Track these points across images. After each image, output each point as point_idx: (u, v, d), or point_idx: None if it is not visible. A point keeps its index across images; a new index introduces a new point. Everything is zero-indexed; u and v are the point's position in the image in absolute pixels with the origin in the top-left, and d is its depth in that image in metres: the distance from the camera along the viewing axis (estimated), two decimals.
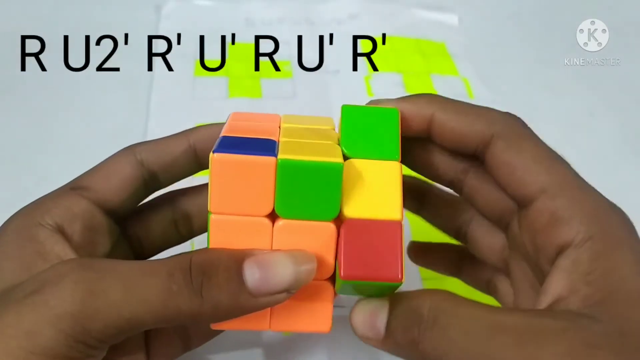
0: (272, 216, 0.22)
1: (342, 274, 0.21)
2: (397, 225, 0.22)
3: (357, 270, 0.21)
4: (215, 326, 0.23)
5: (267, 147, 0.21)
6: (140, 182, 0.26)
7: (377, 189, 0.22)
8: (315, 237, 0.22)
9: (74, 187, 0.25)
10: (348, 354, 0.32)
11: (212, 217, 0.22)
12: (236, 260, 0.21)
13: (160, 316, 0.21)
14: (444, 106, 0.24)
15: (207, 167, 0.26)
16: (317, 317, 0.23)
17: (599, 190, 0.24)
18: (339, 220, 0.22)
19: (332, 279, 0.23)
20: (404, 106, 0.24)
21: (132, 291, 0.20)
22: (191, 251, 0.22)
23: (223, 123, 0.25)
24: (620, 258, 0.21)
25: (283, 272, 0.21)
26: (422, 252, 0.31)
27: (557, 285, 0.22)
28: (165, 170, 0.26)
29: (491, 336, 0.20)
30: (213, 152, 0.21)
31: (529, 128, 0.25)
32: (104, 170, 0.26)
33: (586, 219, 0.22)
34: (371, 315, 0.22)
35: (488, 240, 0.27)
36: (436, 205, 0.29)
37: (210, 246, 0.22)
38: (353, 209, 0.22)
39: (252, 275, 0.21)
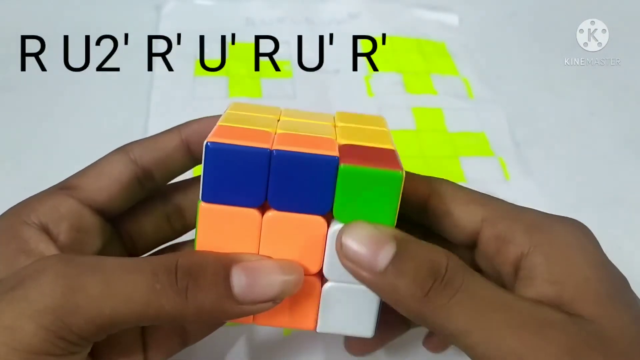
0: (262, 208, 0.22)
1: (342, 161, 0.21)
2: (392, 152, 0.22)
3: (357, 160, 0.21)
4: None
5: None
6: (134, 180, 0.26)
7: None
8: (305, 230, 0.22)
9: (63, 187, 0.25)
10: (345, 354, 0.32)
11: (202, 206, 0.22)
12: (224, 264, 0.21)
13: (142, 314, 0.20)
14: None
15: (201, 162, 0.26)
16: (303, 313, 0.23)
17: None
18: (329, 215, 0.22)
19: (320, 274, 0.23)
20: None
21: (113, 287, 0.20)
22: (177, 252, 0.22)
23: (214, 116, 0.25)
24: (576, 261, 0.22)
25: (270, 280, 0.21)
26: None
27: (523, 294, 0.22)
28: (159, 166, 0.26)
29: (498, 313, 0.20)
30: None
31: (461, 187, 0.26)
32: (95, 169, 0.25)
33: (528, 232, 0.23)
34: (374, 244, 0.20)
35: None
36: None
37: (197, 234, 0.22)
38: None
39: (239, 281, 0.21)
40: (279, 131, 0.23)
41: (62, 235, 0.24)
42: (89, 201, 0.25)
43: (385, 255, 0.20)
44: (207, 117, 0.27)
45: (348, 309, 0.23)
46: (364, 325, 0.23)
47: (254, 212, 0.22)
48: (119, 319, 0.20)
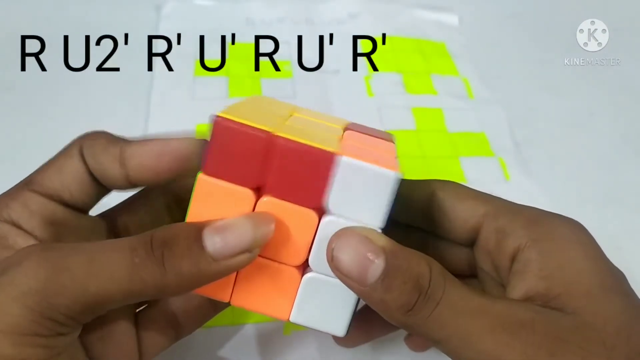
0: (258, 190, 0.22)
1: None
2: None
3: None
4: None
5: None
6: (92, 175, 0.25)
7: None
8: (296, 220, 0.22)
9: (28, 182, 0.25)
10: (341, 353, 0.32)
11: (200, 177, 0.22)
12: (196, 229, 0.22)
13: (127, 290, 0.21)
14: None
15: (139, 186, 0.26)
16: (279, 302, 0.23)
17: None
18: (320, 209, 0.22)
19: (302, 267, 0.23)
20: None
21: (96, 266, 0.21)
22: (154, 229, 0.22)
23: (156, 139, 0.25)
24: (572, 254, 0.23)
25: (241, 232, 0.21)
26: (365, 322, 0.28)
27: (514, 289, 0.23)
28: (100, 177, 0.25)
29: (475, 319, 0.21)
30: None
31: (464, 186, 0.27)
32: (56, 164, 0.25)
33: (527, 226, 0.24)
34: (364, 259, 0.21)
35: (453, 257, 0.28)
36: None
37: (190, 207, 0.22)
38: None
39: (211, 240, 0.21)
40: (287, 123, 0.23)
41: (37, 230, 0.24)
42: (55, 197, 0.25)
43: (374, 272, 0.21)
44: (150, 139, 0.25)
45: (324, 304, 0.23)
46: (337, 323, 0.23)
47: (249, 193, 0.22)
48: (104, 297, 0.21)
